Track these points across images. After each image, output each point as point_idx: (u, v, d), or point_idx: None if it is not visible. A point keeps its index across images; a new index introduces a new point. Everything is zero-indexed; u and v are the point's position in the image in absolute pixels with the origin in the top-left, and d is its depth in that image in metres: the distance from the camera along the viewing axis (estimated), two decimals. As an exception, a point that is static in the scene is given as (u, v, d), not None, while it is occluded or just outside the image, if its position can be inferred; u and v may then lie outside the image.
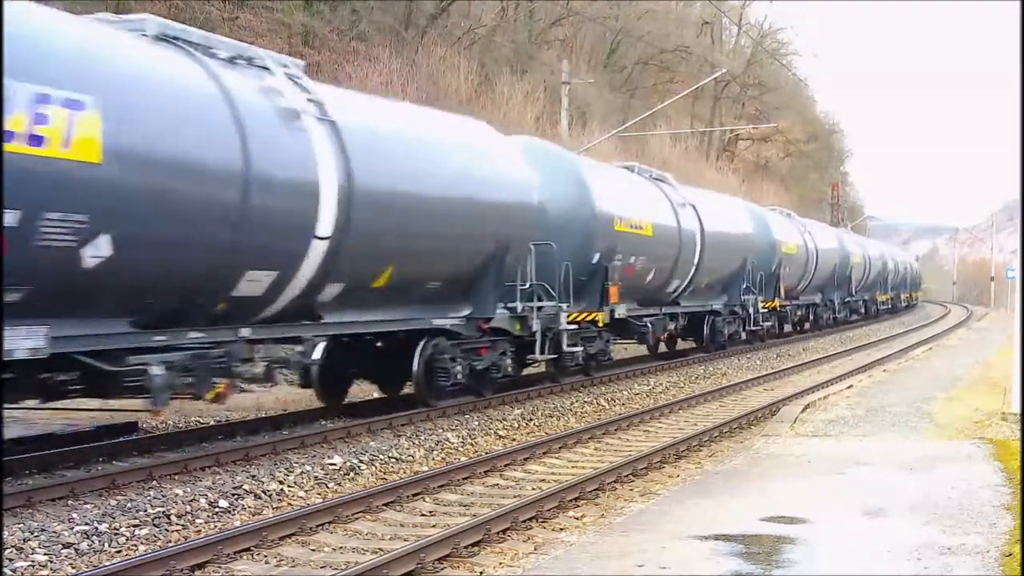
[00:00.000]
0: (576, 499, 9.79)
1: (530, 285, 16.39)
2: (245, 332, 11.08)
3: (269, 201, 10.73)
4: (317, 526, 8.69)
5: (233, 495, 9.61)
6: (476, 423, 14.25)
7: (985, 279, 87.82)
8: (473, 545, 8.07)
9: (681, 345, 27.45)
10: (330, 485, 10.47)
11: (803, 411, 14.88)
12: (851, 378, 20.68)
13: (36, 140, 8.34)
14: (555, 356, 17.57)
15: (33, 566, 7.40)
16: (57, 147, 8.45)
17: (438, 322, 14.59)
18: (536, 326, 16.55)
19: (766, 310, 29.87)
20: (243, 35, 25.22)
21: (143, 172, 9.25)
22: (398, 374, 15.12)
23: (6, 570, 7.20)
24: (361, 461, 11.37)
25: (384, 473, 11.17)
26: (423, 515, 9.37)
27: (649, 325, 22.00)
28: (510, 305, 16.12)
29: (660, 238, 21.85)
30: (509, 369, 16.25)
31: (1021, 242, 17.90)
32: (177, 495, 9.35)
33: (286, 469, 10.66)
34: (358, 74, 27.93)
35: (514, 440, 13.53)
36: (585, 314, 18.81)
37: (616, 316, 19.70)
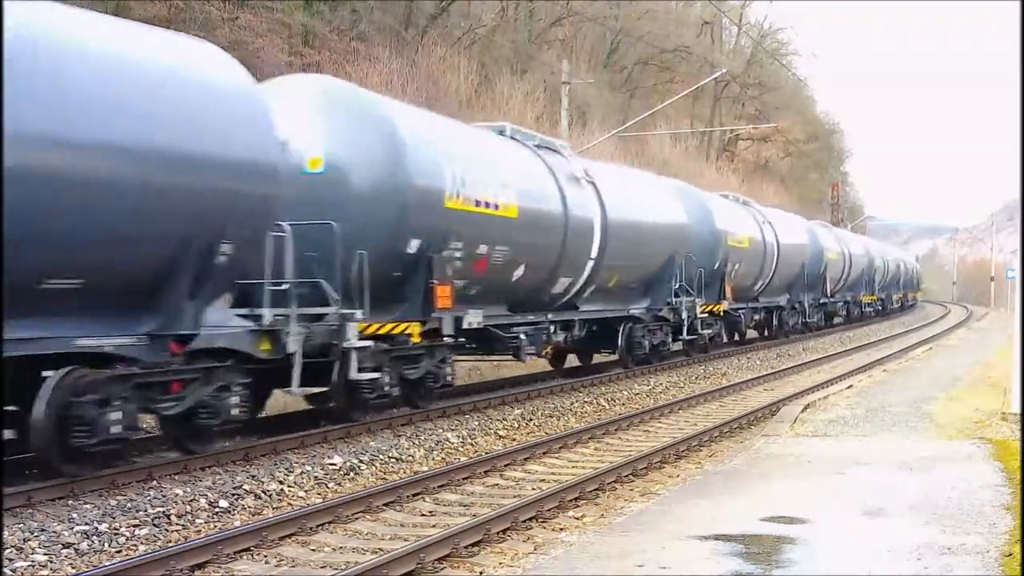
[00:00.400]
0: (576, 499, 9.79)
1: (679, 285, 22.50)
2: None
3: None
4: (317, 526, 8.69)
5: (233, 495, 9.61)
6: (476, 423, 14.25)
7: (985, 279, 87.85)
8: (473, 545, 8.07)
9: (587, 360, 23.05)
10: (330, 485, 10.47)
11: (803, 411, 14.88)
12: (851, 378, 20.68)
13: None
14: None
15: (33, 566, 7.40)
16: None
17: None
18: (684, 315, 22.61)
19: (706, 315, 24.71)
20: (243, 35, 25.23)
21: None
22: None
23: (6, 570, 7.20)
24: (361, 461, 11.37)
25: (384, 473, 11.17)
26: (423, 515, 9.37)
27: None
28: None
29: (531, 222, 15.95)
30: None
31: (1021, 242, 17.91)
32: (177, 495, 9.35)
33: (286, 469, 10.66)
34: (358, 74, 27.90)
35: (514, 440, 13.53)
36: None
37: (465, 325, 14.95)
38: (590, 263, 18.60)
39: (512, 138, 17.63)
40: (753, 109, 68.95)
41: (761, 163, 74.58)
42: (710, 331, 24.95)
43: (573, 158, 19.43)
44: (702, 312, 23.65)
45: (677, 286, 22.53)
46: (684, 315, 22.69)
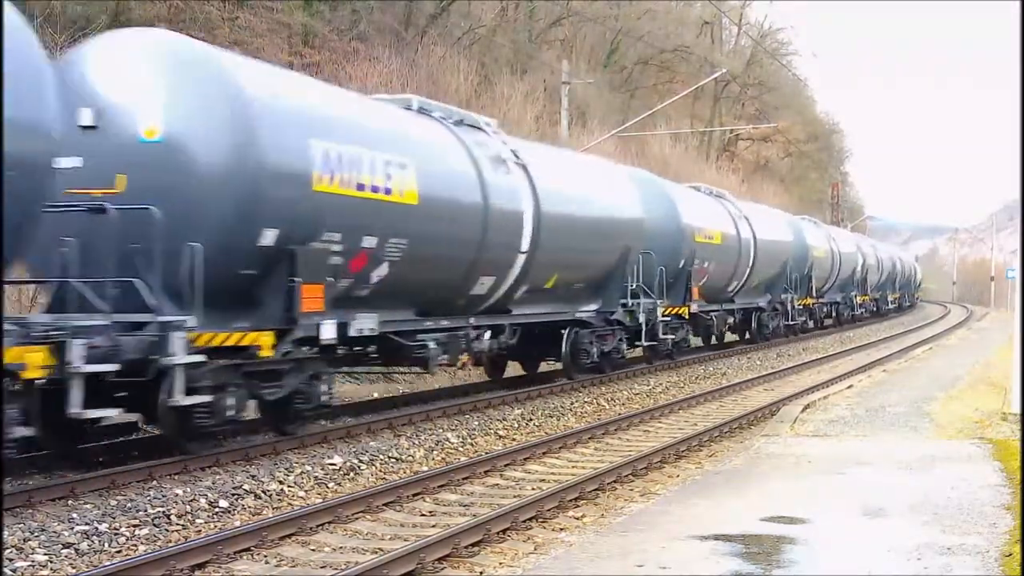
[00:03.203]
0: (576, 499, 9.79)
1: (636, 285, 20.37)
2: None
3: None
4: (317, 526, 8.68)
5: (233, 495, 9.60)
6: (476, 423, 14.24)
7: (985, 279, 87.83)
8: (473, 545, 8.07)
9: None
10: (330, 485, 10.47)
11: (803, 411, 14.88)
12: (851, 378, 20.69)
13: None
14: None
15: (33, 566, 7.40)
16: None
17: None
18: (642, 318, 20.41)
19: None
20: (243, 35, 25.22)
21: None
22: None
23: (6, 570, 7.20)
24: (361, 461, 11.37)
25: (384, 473, 11.17)
26: (423, 515, 9.37)
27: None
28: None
29: (437, 210, 13.75)
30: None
31: (1021, 242, 17.91)
32: (177, 495, 9.35)
33: (286, 469, 10.66)
34: (358, 74, 27.89)
35: (514, 440, 13.53)
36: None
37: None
38: (520, 259, 16.00)
39: (421, 111, 15.16)
40: (753, 109, 68.92)
41: (761, 163, 74.54)
42: (674, 336, 22.78)
43: (500, 137, 16.54)
44: (664, 315, 21.60)
45: (634, 286, 20.33)
46: (642, 318, 20.43)
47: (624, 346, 20.35)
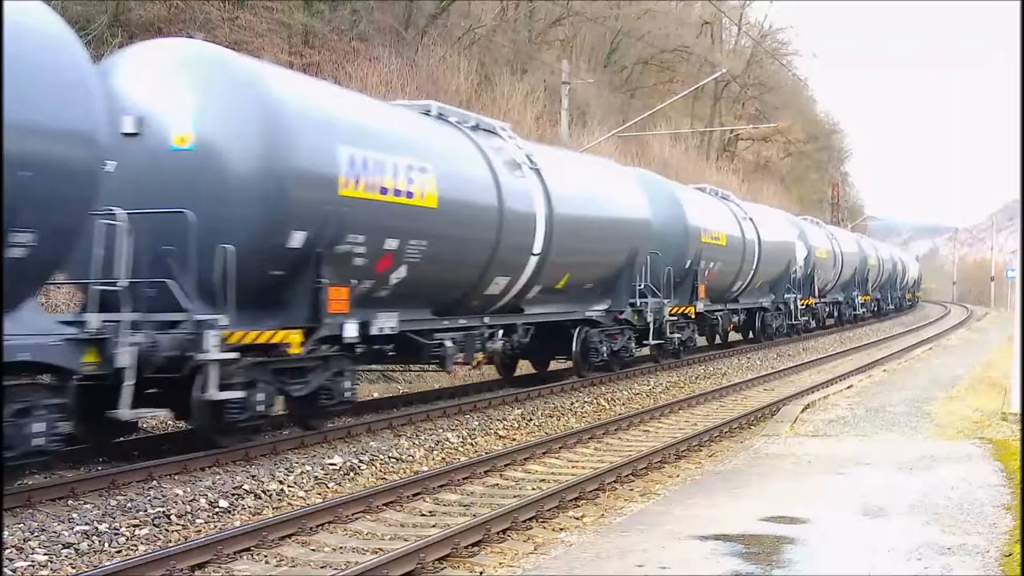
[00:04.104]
0: (576, 499, 9.79)
1: (644, 285, 20.51)
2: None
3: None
4: (317, 526, 8.69)
5: (233, 495, 9.60)
6: (476, 423, 14.24)
7: (985, 279, 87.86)
8: (473, 545, 8.08)
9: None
10: (330, 485, 10.47)
11: (803, 411, 14.88)
12: (851, 378, 20.69)
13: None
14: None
15: (33, 566, 7.40)
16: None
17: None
18: (650, 317, 20.70)
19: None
20: (243, 35, 25.22)
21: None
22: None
23: (6, 570, 7.20)
24: (361, 461, 11.37)
25: (384, 473, 11.17)
26: (423, 515, 9.37)
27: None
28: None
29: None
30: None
31: (1021, 242, 17.90)
32: (177, 495, 9.35)
33: (286, 469, 10.66)
34: (358, 74, 27.89)
35: (514, 440, 13.53)
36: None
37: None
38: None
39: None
40: (753, 109, 68.94)
41: (761, 163, 74.55)
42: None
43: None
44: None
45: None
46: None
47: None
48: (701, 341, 27.45)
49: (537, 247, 16.39)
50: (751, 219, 29.45)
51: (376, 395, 16.31)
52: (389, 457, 11.73)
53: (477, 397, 16.35)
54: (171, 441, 11.90)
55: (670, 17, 60.62)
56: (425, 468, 11.46)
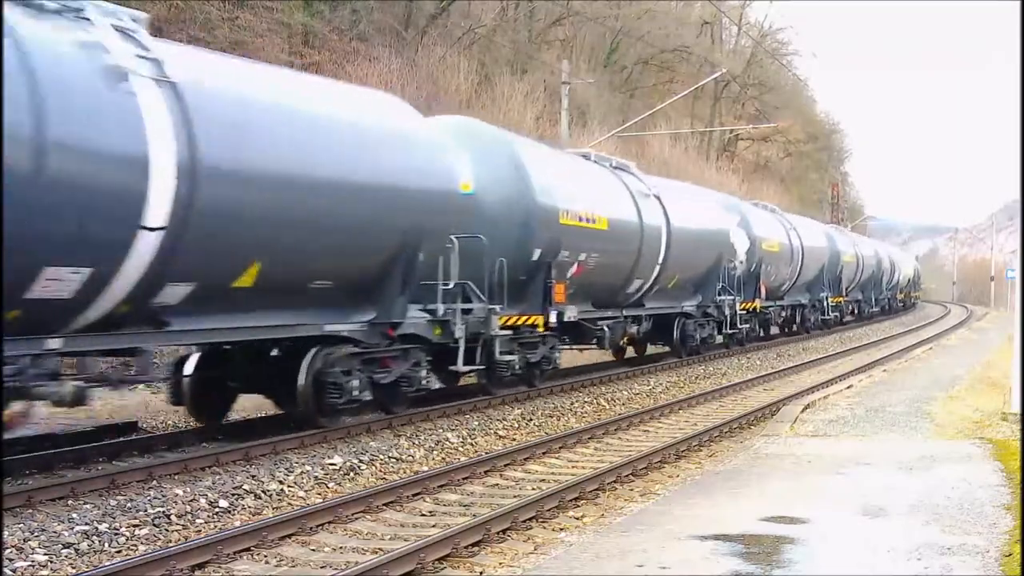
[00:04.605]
0: (576, 499, 9.79)
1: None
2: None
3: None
4: (317, 526, 8.68)
5: (233, 495, 9.60)
6: (476, 423, 14.25)
7: (985, 279, 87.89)
8: (473, 545, 8.07)
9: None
10: (330, 485, 10.47)
11: (803, 411, 14.88)
12: (851, 378, 20.68)
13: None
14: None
15: (33, 566, 7.40)
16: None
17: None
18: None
19: (744, 312, 27.32)
20: (243, 35, 25.24)
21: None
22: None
23: (6, 570, 7.20)
24: (361, 461, 11.37)
25: (384, 473, 11.17)
26: (423, 515, 9.37)
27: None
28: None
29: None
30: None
31: (1021, 242, 17.90)
32: (177, 495, 9.35)
33: (286, 469, 10.66)
34: (358, 74, 27.90)
35: (514, 440, 13.53)
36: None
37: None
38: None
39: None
40: (753, 109, 68.94)
41: (761, 163, 74.57)
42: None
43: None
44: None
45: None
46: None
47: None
48: (592, 358, 27.89)
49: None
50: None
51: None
52: (389, 457, 11.73)
53: (477, 397, 16.34)
54: (167, 441, 11.89)
55: (670, 17, 60.65)
56: (425, 468, 11.46)
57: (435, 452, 12.34)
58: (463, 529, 8.17)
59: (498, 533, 8.40)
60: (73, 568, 7.47)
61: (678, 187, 25.71)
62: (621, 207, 19.98)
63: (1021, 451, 10.52)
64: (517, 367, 16.25)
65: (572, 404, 16.64)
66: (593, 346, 20.08)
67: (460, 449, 12.70)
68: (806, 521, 8.07)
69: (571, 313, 17.74)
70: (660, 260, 21.47)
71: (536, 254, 16.67)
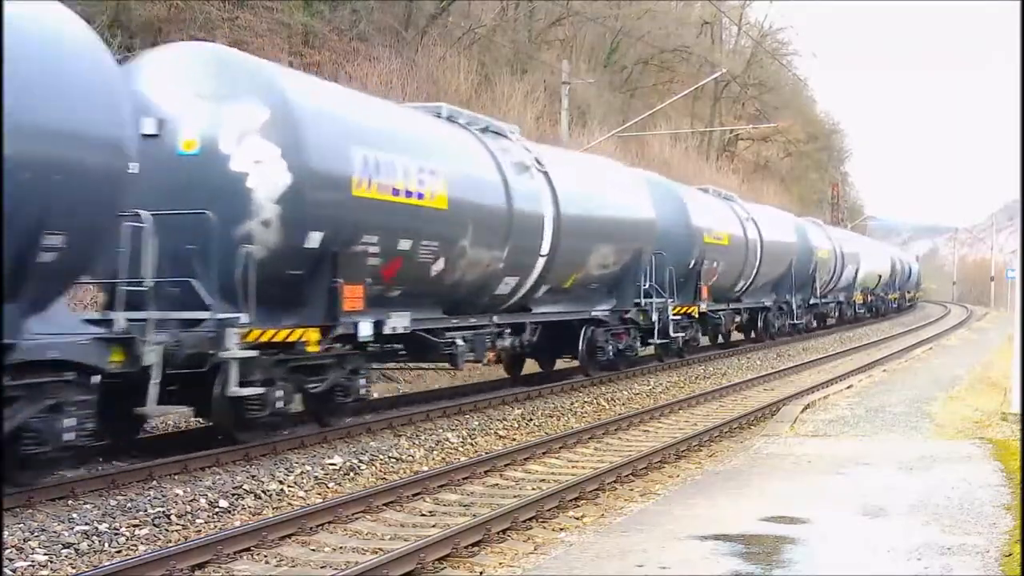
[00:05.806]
0: (576, 499, 9.79)
1: (648, 285, 20.49)
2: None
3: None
4: (317, 526, 8.68)
5: (233, 495, 9.60)
6: (476, 423, 14.24)
7: (985, 279, 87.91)
8: (473, 545, 8.07)
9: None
10: (330, 485, 10.47)
11: (803, 411, 14.88)
12: (851, 378, 20.68)
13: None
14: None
15: (33, 566, 7.40)
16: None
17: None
18: (654, 317, 20.69)
19: (680, 317, 24.01)
20: (243, 35, 25.21)
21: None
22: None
23: (6, 570, 7.20)
24: (361, 461, 11.37)
25: (384, 473, 11.17)
26: (423, 515, 9.37)
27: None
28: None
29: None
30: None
31: (1021, 242, 17.91)
32: (177, 495, 9.35)
33: (286, 469, 10.66)
34: (358, 74, 27.88)
35: (514, 440, 13.53)
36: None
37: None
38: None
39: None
40: (753, 109, 68.89)
41: (761, 163, 74.53)
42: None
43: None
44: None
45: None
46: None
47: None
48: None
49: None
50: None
51: (376, 395, 16.30)
52: (389, 457, 11.73)
53: (477, 397, 16.34)
54: (167, 441, 11.89)
55: (670, 17, 60.61)
56: (425, 468, 11.46)
57: (435, 452, 12.34)
58: (463, 529, 8.17)
59: (498, 533, 8.40)
60: (73, 568, 7.47)
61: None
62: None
63: (1021, 451, 10.53)
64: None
65: (572, 404, 16.64)
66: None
67: (460, 449, 12.70)
68: (806, 521, 8.07)
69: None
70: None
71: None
